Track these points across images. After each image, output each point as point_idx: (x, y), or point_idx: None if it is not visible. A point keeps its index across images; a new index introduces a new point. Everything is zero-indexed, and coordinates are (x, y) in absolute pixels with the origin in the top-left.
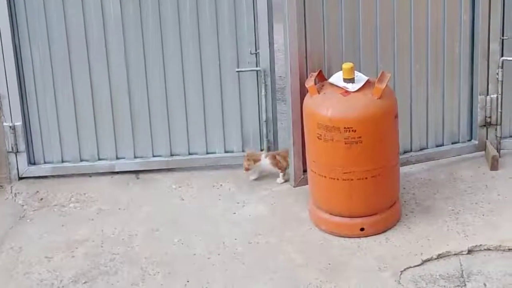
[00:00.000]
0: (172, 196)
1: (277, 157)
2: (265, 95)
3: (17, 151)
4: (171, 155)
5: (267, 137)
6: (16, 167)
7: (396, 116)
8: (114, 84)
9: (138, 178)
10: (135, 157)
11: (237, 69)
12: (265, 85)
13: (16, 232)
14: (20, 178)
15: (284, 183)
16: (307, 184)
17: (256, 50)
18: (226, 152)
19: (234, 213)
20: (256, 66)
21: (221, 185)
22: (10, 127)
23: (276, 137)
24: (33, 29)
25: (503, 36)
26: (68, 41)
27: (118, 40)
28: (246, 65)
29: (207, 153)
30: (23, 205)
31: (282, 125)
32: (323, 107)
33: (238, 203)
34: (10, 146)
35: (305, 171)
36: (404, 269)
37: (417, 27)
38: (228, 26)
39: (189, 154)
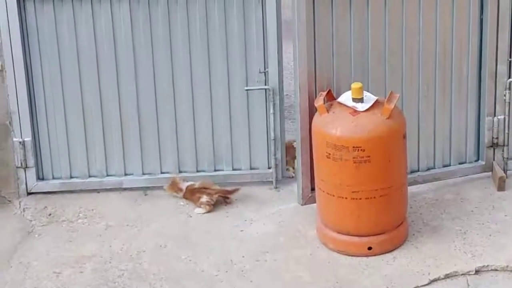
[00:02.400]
0: (180, 212)
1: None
2: (274, 114)
3: (26, 167)
4: (179, 172)
5: (275, 155)
6: (25, 182)
7: (404, 136)
8: (123, 101)
9: (146, 195)
10: (143, 174)
11: (246, 88)
12: (274, 104)
13: (25, 247)
14: (29, 193)
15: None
16: (315, 202)
17: (265, 69)
18: (234, 169)
19: (242, 230)
20: (265, 85)
21: (228, 202)
22: (20, 142)
23: (283, 155)
24: (44, 45)
25: (510, 57)
26: (78, 58)
27: (128, 58)
28: (255, 84)
29: (215, 170)
30: (31, 220)
31: None
32: (332, 126)
33: (245, 220)
34: (19, 162)
35: (313, 189)
36: None
37: (426, 48)
38: (238, 44)
39: (197, 171)
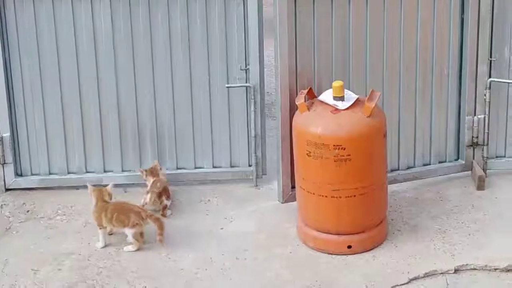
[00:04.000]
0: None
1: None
2: (255, 111)
3: (4, 163)
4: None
5: (255, 153)
6: (3, 178)
7: (385, 135)
8: (103, 97)
9: (126, 192)
10: (123, 171)
11: (227, 85)
12: (255, 101)
13: (2, 244)
14: (7, 190)
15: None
16: (295, 200)
17: (246, 66)
18: (214, 167)
19: (222, 228)
20: (246, 82)
21: (208, 200)
22: None
23: (264, 152)
24: (23, 41)
25: (491, 57)
26: (58, 54)
27: (108, 54)
28: (236, 81)
29: (195, 168)
30: (9, 217)
31: (270, 141)
32: (313, 124)
33: (225, 218)
34: None
35: (293, 187)
36: (391, 287)
37: (407, 48)
38: (219, 41)
39: (177, 168)
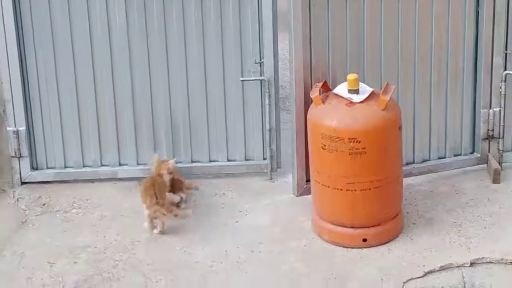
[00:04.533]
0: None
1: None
2: (269, 104)
3: (20, 156)
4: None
5: (270, 146)
6: (19, 172)
7: (400, 128)
8: (118, 91)
9: (140, 185)
10: (137, 164)
11: (241, 78)
12: (269, 95)
13: (19, 237)
14: (23, 183)
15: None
16: (309, 193)
17: (260, 60)
18: (228, 160)
19: (237, 221)
20: (260, 76)
21: (223, 193)
22: (14, 131)
23: (279, 146)
24: (38, 34)
25: (506, 50)
26: (73, 47)
27: (123, 48)
28: (250, 74)
29: (210, 161)
30: (25, 210)
31: (284, 134)
32: (328, 117)
33: (240, 211)
34: (13, 151)
35: (308, 180)
36: (407, 281)
37: (422, 41)
38: (233, 35)
39: (192, 162)
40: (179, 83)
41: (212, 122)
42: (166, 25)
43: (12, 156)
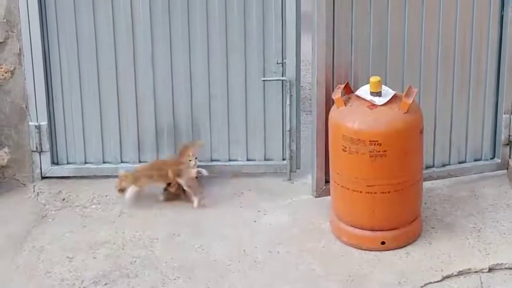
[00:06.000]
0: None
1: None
2: (290, 105)
3: (41, 151)
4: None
5: (290, 147)
6: (39, 166)
7: (421, 131)
8: (139, 88)
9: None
10: None
11: (263, 78)
12: (290, 95)
13: (38, 231)
14: (43, 178)
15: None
16: (328, 195)
17: (282, 60)
18: (248, 160)
19: (255, 221)
20: (282, 76)
21: (242, 193)
22: (36, 126)
23: (298, 146)
24: (63, 29)
25: None
26: (96, 43)
27: (146, 45)
28: (272, 75)
29: (230, 160)
30: (45, 205)
31: (304, 135)
32: (349, 119)
33: (259, 211)
34: (34, 146)
35: (327, 182)
36: (424, 285)
37: (445, 44)
38: (256, 35)
39: (212, 160)
40: (201, 82)
41: (233, 121)
42: (190, 24)
43: (33, 151)
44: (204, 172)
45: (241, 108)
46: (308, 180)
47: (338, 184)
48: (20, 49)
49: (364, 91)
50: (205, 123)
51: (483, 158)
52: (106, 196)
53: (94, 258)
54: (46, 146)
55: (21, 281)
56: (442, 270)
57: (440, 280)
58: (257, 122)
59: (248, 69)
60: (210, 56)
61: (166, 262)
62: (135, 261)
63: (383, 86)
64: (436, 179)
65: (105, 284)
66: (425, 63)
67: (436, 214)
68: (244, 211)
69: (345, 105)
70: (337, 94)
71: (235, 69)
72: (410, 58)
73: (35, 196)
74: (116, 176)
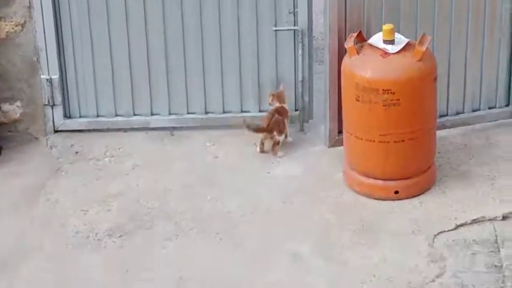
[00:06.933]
0: (206, 153)
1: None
2: (302, 55)
3: (53, 104)
4: (206, 112)
5: (302, 97)
6: (52, 120)
7: (435, 79)
8: (151, 40)
9: (172, 135)
10: (170, 114)
11: (274, 28)
12: (302, 45)
13: (52, 184)
14: (56, 131)
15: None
16: (341, 145)
17: (294, 9)
18: (260, 111)
19: (268, 172)
20: (294, 25)
21: (254, 144)
22: (47, 80)
23: (311, 97)
24: None
25: None
26: None
27: None
28: (284, 24)
29: (242, 111)
30: (58, 158)
31: (317, 85)
32: (362, 68)
33: (272, 163)
34: (46, 99)
35: (340, 132)
36: (438, 233)
37: None
38: None
39: (224, 112)
40: (212, 32)
41: (245, 71)
42: None
43: (45, 104)
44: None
45: (253, 58)
46: (321, 131)
47: (351, 134)
48: (29, 2)
49: (377, 39)
50: (216, 73)
51: (497, 105)
52: (119, 149)
53: (108, 210)
54: (58, 99)
55: (36, 234)
56: (455, 218)
57: (454, 229)
58: (269, 72)
59: (259, 19)
60: (220, 7)
61: (180, 213)
62: (149, 212)
63: (396, 34)
64: (450, 127)
65: (120, 236)
66: (439, 10)
67: (450, 163)
68: (257, 162)
69: (358, 54)
70: (349, 43)
71: (246, 19)
72: (423, 5)
73: (48, 150)
74: (129, 129)
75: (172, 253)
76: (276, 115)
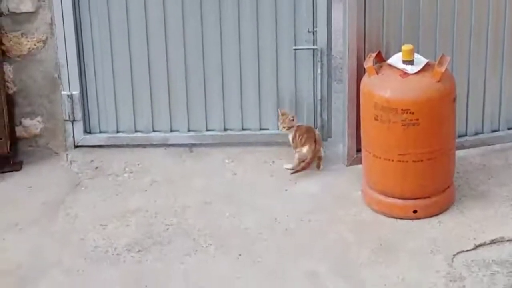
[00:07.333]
0: (225, 170)
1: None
2: (321, 74)
3: (74, 120)
4: (225, 129)
5: (321, 116)
6: (72, 135)
7: (454, 100)
8: (171, 57)
9: (191, 152)
10: (188, 131)
11: (294, 47)
12: (322, 64)
13: (72, 199)
14: (76, 146)
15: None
16: (360, 163)
17: (313, 29)
18: (279, 129)
19: (286, 190)
20: (313, 45)
21: (273, 161)
22: (68, 95)
23: (329, 115)
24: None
25: None
26: (127, 11)
27: (177, 13)
28: (303, 43)
29: (261, 129)
30: (78, 173)
31: (335, 104)
32: (381, 87)
33: (290, 180)
34: (67, 115)
35: (358, 150)
36: (457, 253)
37: (478, 10)
38: (287, 3)
39: (243, 129)
40: (231, 50)
41: (264, 90)
42: None
43: (65, 120)
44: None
45: (272, 77)
46: (339, 149)
47: (370, 153)
48: (51, 19)
49: (396, 60)
50: (236, 91)
51: None
52: (138, 165)
53: (127, 226)
54: (79, 115)
55: (56, 248)
56: (474, 238)
57: (473, 249)
58: (288, 91)
59: (279, 38)
60: (240, 25)
61: (198, 230)
62: (167, 229)
63: (415, 54)
64: (469, 147)
65: (138, 251)
66: (458, 30)
67: (469, 183)
68: (276, 180)
69: (377, 74)
70: (369, 63)
71: (265, 38)
72: (442, 25)
73: (68, 165)
74: (148, 145)
75: (190, 269)
76: (316, 146)
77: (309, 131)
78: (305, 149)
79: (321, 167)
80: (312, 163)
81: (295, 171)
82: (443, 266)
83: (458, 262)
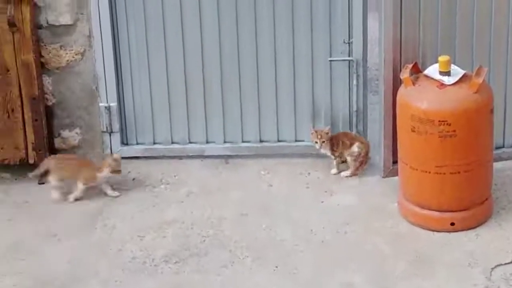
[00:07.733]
0: (261, 182)
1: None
2: (357, 85)
3: (111, 131)
4: (260, 141)
5: (357, 127)
6: (109, 146)
7: (491, 111)
8: (207, 69)
9: (227, 163)
10: (224, 142)
11: (329, 58)
12: (357, 75)
13: (110, 210)
14: None
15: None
16: (396, 175)
17: (349, 40)
18: None
19: (322, 201)
20: (349, 56)
21: (309, 173)
22: (106, 107)
23: (365, 127)
24: (131, 11)
25: None
26: (164, 23)
27: (213, 25)
28: (339, 55)
29: (296, 140)
30: (115, 184)
31: (371, 116)
32: (418, 99)
33: (326, 191)
34: (104, 126)
35: (395, 162)
36: (495, 266)
37: None
38: (322, 14)
39: (278, 141)
40: (267, 62)
41: (299, 101)
42: (256, 4)
43: (103, 131)
44: None
45: (308, 88)
46: (375, 161)
47: (407, 165)
48: (89, 31)
49: (433, 71)
50: (271, 104)
51: None
52: (174, 176)
53: (164, 237)
54: (116, 126)
55: (94, 259)
56: None
57: (511, 262)
58: (324, 102)
59: (314, 49)
60: (276, 37)
61: (235, 242)
62: (204, 240)
63: (452, 65)
64: (506, 159)
65: (175, 262)
66: (495, 41)
67: (507, 195)
68: (311, 191)
69: (414, 85)
70: (405, 74)
71: (301, 49)
72: (479, 36)
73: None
74: (184, 157)
75: (227, 281)
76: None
77: (345, 133)
78: (355, 147)
79: (367, 165)
80: (367, 158)
81: (355, 169)
82: (481, 280)
83: (496, 276)
